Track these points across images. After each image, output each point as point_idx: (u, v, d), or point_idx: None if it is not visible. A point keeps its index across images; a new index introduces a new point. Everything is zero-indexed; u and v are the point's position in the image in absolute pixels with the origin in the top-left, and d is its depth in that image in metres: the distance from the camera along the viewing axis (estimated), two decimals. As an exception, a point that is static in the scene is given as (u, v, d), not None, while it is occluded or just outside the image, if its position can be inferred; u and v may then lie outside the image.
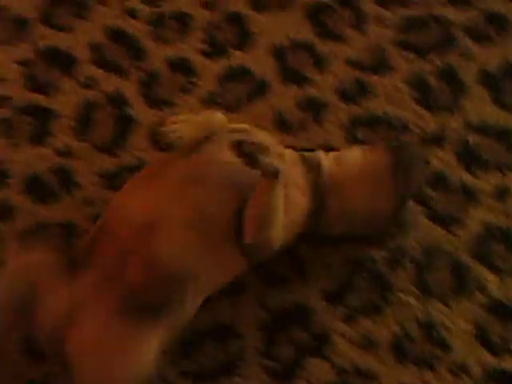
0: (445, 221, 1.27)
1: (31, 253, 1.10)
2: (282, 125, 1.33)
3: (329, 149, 1.28)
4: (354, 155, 1.19)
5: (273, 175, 1.07)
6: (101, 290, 1.07)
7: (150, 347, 1.06)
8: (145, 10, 1.42)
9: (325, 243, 1.24)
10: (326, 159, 1.19)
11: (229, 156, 1.12)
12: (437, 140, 1.33)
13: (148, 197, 1.10)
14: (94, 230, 1.13)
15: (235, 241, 1.11)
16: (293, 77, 1.38)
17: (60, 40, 1.41)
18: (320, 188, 1.16)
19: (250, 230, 1.10)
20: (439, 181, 1.30)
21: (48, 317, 1.08)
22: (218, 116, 1.18)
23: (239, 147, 1.06)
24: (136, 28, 1.42)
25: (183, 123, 1.14)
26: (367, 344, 1.20)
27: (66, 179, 1.31)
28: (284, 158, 1.14)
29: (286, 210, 1.12)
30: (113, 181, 1.30)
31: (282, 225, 1.13)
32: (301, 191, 1.15)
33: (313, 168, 1.17)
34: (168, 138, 1.13)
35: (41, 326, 1.09)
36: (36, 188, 1.30)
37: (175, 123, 1.13)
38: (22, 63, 1.39)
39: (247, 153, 1.06)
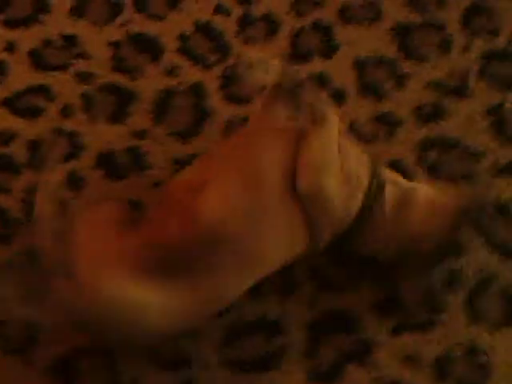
0: (503, 250, 1.27)
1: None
2: (352, 136, 1.35)
3: (395, 167, 1.30)
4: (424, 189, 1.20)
5: (320, 114, 1.07)
6: (140, 245, 1.09)
7: (174, 309, 1.07)
8: (236, 8, 1.46)
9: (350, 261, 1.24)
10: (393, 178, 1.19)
11: (279, 112, 1.11)
12: (508, 171, 1.33)
13: (204, 164, 1.13)
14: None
15: (293, 206, 1.09)
16: (371, 90, 1.40)
17: (150, 27, 1.45)
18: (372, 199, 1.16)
19: (303, 175, 1.08)
20: (502, 210, 1.30)
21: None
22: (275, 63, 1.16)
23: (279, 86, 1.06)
24: (225, 25, 1.46)
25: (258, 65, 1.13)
26: (408, 360, 1.21)
27: (138, 159, 1.35)
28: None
29: (349, 180, 1.12)
30: (182, 166, 1.34)
31: (340, 179, 1.11)
32: (364, 169, 1.14)
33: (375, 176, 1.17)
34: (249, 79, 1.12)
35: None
36: (108, 164, 1.34)
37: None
38: (113, 44, 1.44)
39: (289, 89, 1.04)
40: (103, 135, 1.37)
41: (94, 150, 1.36)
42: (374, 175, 1.16)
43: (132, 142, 1.37)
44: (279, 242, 1.12)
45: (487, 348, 1.22)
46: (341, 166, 1.12)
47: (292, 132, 1.12)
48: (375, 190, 1.15)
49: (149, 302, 1.07)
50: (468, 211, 1.18)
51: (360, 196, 1.13)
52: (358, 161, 1.15)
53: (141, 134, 1.37)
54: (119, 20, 1.46)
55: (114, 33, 1.46)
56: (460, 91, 1.41)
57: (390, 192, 1.17)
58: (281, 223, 1.11)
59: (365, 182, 1.14)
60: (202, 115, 1.39)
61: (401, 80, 1.41)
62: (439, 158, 1.36)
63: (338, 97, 1.41)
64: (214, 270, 1.08)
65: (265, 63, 1.15)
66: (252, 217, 1.09)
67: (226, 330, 1.24)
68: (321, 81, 1.42)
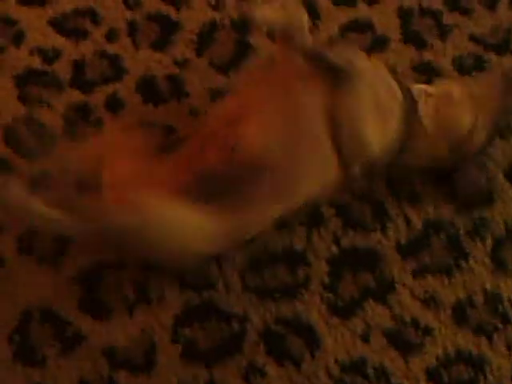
0: (532, 205, 1.29)
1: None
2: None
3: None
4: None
5: (346, 69, 1.10)
6: (177, 170, 1.12)
7: (210, 230, 1.11)
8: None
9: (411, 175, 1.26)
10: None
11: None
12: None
13: (240, 99, 1.15)
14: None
15: (331, 143, 1.13)
16: (414, 39, 1.42)
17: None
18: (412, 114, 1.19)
19: (343, 125, 1.13)
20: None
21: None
22: (302, 15, 1.20)
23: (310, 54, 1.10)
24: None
25: (267, 8, 1.17)
26: (430, 301, 1.24)
27: (177, 87, 1.38)
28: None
29: (383, 116, 1.15)
30: (220, 97, 1.37)
31: (379, 131, 1.15)
32: (395, 100, 1.17)
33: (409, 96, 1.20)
34: (253, 20, 1.15)
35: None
36: (148, 89, 1.37)
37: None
38: (160, -24, 1.47)
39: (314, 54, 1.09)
40: (145, 61, 1.40)
41: (135, 75, 1.39)
42: (406, 96, 1.19)
43: (172, 70, 1.39)
44: (314, 174, 1.15)
45: (509, 295, 1.24)
46: (375, 106, 1.14)
47: (327, 79, 1.14)
48: (409, 108, 1.18)
49: (187, 221, 1.10)
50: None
51: (394, 124, 1.16)
52: (388, 92, 1.18)
53: (182, 63, 1.40)
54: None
55: (163, -36, 1.48)
56: (501, 48, 1.42)
57: (425, 104, 1.19)
58: (316, 157, 1.14)
59: (397, 109, 1.17)
60: (243, 50, 1.41)
61: (444, 32, 1.43)
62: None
63: (381, 43, 1.43)
64: (252, 195, 1.12)
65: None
66: (290, 148, 1.13)
67: (252, 257, 1.26)
68: (365, 26, 1.43)
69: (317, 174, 1.16)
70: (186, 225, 1.11)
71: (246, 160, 1.11)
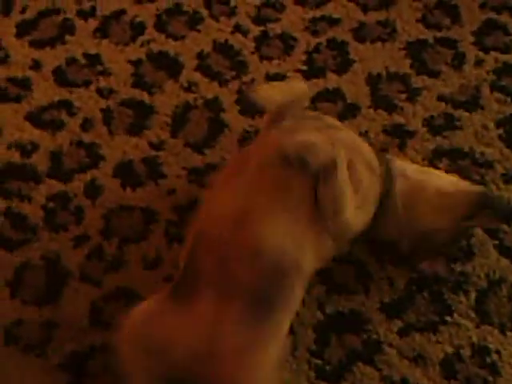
0: (513, 252, 1.33)
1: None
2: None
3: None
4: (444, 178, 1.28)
5: (330, 166, 1.15)
6: (221, 304, 1.13)
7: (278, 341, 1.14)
8: (252, 28, 1.56)
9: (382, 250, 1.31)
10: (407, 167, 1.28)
11: (303, 136, 1.20)
12: (518, 179, 1.40)
13: (234, 194, 1.17)
14: (186, 250, 1.20)
15: (321, 223, 1.17)
16: (384, 104, 1.48)
17: (171, 46, 1.55)
18: (390, 182, 1.24)
19: (327, 217, 1.17)
20: (513, 216, 1.36)
21: (188, 352, 1.13)
22: (301, 85, 1.28)
23: (288, 159, 1.15)
24: (242, 43, 1.55)
25: (269, 88, 1.23)
26: (418, 359, 1.27)
27: (154, 169, 1.43)
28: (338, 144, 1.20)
29: (356, 188, 1.20)
30: (197, 176, 1.43)
31: (356, 204, 1.20)
32: (369, 169, 1.22)
33: (384, 160, 1.25)
34: (255, 101, 1.21)
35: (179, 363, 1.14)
36: (125, 173, 1.43)
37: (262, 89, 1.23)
38: (133, 63, 1.54)
39: (298, 161, 1.15)
40: (121, 146, 1.46)
41: (112, 161, 1.45)
42: (386, 172, 1.24)
43: (149, 153, 1.45)
44: (317, 255, 1.20)
45: (496, 348, 1.26)
46: (355, 191, 1.20)
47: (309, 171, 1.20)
48: (387, 185, 1.23)
49: None
50: (483, 202, 1.25)
51: (373, 201, 1.23)
52: (368, 169, 1.23)
53: (158, 146, 1.46)
54: (140, 40, 1.57)
55: (135, 52, 1.56)
56: (471, 104, 1.47)
57: (400, 185, 1.24)
58: (316, 241, 1.19)
59: (376, 186, 1.23)
60: (217, 128, 1.48)
61: (413, 94, 1.49)
62: (450, 168, 1.42)
63: (352, 110, 1.48)
64: (284, 296, 1.16)
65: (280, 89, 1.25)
66: (298, 239, 1.17)
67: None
68: (335, 95, 1.50)
69: (320, 251, 1.20)
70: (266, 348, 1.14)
71: (270, 266, 1.14)
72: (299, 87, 1.28)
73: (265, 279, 1.12)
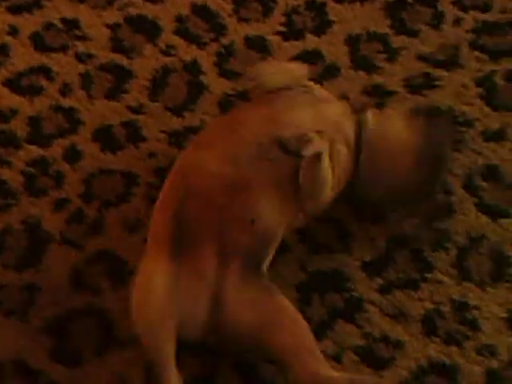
0: (493, 212, 1.35)
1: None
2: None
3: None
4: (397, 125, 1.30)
5: (316, 159, 1.22)
6: (220, 262, 1.20)
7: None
8: (231, -10, 1.57)
9: (365, 209, 1.33)
10: (372, 119, 1.30)
11: (299, 113, 1.26)
12: (497, 137, 1.42)
13: (227, 160, 1.23)
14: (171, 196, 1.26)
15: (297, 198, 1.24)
16: (364, 64, 1.49)
17: (149, 9, 1.56)
18: (360, 146, 1.27)
19: (306, 198, 1.24)
20: (493, 174, 1.39)
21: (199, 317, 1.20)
22: (302, 68, 1.34)
23: (283, 145, 1.22)
24: (220, 6, 1.56)
25: (272, 67, 1.30)
26: (398, 315, 1.29)
27: (134, 132, 1.45)
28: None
29: (333, 167, 1.24)
30: (177, 139, 1.44)
31: (331, 186, 1.26)
32: (347, 146, 1.25)
33: (359, 124, 1.28)
34: (257, 81, 1.28)
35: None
36: (104, 137, 1.45)
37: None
38: (111, 27, 1.55)
39: (290, 150, 1.22)
40: (100, 111, 1.47)
41: (91, 125, 1.46)
42: (359, 129, 1.28)
43: (128, 117, 1.47)
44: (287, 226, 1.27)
45: (476, 303, 1.29)
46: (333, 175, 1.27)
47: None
48: (359, 142, 1.26)
49: None
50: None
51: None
52: (348, 147, 1.28)
53: (137, 109, 1.47)
54: (118, 3, 1.57)
55: (112, 16, 1.57)
56: (450, 64, 1.49)
57: (369, 138, 1.27)
58: (291, 214, 1.27)
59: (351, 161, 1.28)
60: (196, 90, 1.49)
61: (392, 54, 1.50)
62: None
63: (331, 71, 1.50)
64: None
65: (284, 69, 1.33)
66: (283, 212, 1.26)
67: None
68: (314, 56, 1.51)
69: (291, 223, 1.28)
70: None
71: (264, 231, 1.23)
72: (300, 70, 1.31)
73: (258, 243, 1.20)
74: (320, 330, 1.29)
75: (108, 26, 1.57)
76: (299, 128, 1.26)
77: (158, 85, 1.50)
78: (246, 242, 1.21)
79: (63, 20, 1.57)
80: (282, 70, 1.35)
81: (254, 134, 1.25)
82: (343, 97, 1.47)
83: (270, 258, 1.26)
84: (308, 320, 1.28)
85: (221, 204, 1.22)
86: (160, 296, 1.18)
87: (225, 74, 1.51)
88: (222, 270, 1.21)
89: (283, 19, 1.56)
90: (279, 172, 1.24)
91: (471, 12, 1.54)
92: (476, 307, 1.30)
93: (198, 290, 1.20)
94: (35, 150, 1.45)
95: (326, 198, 1.27)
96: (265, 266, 1.25)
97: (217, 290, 1.20)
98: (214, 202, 1.22)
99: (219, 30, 1.55)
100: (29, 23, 1.57)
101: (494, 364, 1.26)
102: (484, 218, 1.36)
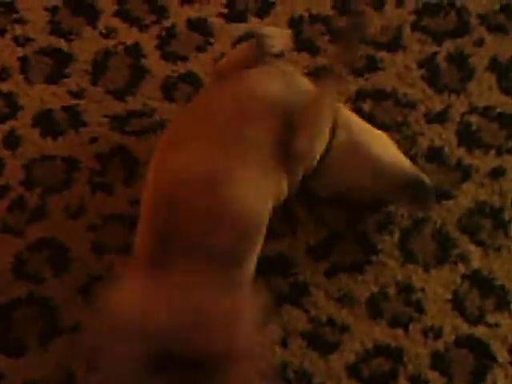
0: (436, 193, 1.36)
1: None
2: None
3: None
4: None
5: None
6: (197, 270, 1.14)
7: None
8: (172, -29, 1.55)
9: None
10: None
11: (270, 86, 1.23)
12: (440, 119, 1.43)
13: (203, 155, 1.17)
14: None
15: (281, 163, 1.19)
16: (307, 46, 1.49)
17: (88, -9, 1.54)
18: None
19: (301, 135, 1.20)
20: (436, 156, 1.40)
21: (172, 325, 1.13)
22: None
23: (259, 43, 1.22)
24: (161, -13, 1.55)
25: (271, 32, 1.28)
26: (344, 299, 1.29)
27: (75, 117, 1.43)
28: None
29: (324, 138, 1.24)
30: (119, 123, 1.42)
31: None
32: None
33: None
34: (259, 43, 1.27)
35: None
36: (45, 122, 1.43)
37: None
38: (49, 9, 1.52)
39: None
40: (40, 95, 1.45)
41: (31, 110, 1.44)
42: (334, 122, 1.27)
43: (69, 102, 1.45)
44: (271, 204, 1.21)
45: (421, 285, 1.30)
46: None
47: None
48: (330, 135, 1.26)
49: None
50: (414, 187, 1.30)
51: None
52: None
53: (78, 94, 1.45)
54: (56, -14, 1.55)
55: (51, -2, 1.54)
56: (392, 45, 1.50)
57: (339, 137, 1.27)
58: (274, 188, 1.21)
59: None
60: (138, 74, 1.47)
61: (335, 35, 1.50)
62: (374, 109, 1.44)
63: (275, 54, 1.49)
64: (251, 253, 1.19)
65: (280, 33, 1.30)
66: (262, 191, 1.20)
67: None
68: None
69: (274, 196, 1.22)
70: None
71: (245, 223, 1.17)
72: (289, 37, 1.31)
73: (237, 240, 1.16)
74: (266, 315, 1.29)
75: (46, 8, 1.53)
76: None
77: (98, 68, 1.48)
78: (222, 242, 1.15)
79: (0, 3, 1.53)
80: (281, 34, 1.31)
81: (222, 118, 1.21)
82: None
83: (258, 249, 1.21)
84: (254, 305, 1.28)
85: (196, 205, 1.16)
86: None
87: (167, 56, 1.50)
88: (197, 278, 1.14)
89: (225, 1, 1.54)
90: (259, 148, 1.19)
91: (413, -7, 1.54)
92: (421, 289, 1.31)
93: (175, 302, 1.13)
94: (-28, 137, 1.42)
95: (318, 150, 1.22)
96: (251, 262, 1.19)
97: (194, 300, 1.13)
98: (189, 204, 1.16)
99: (161, 12, 1.53)
100: (-36, 6, 1.53)
101: (440, 345, 1.27)
102: (428, 200, 1.37)
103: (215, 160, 1.17)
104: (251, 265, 1.19)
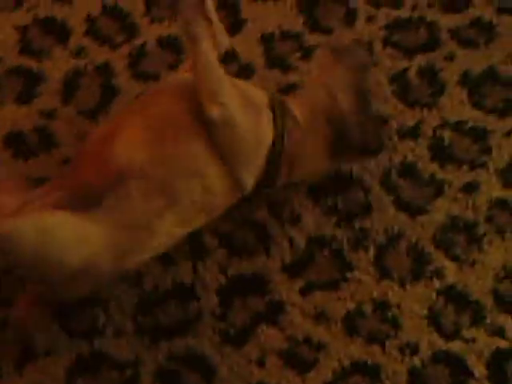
0: (410, 209, 1.37)
1: None
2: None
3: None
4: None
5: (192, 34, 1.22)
6: (52, 189, 1.22)
7: (93, 237, 1.18)
8: (141, -11, 1.55)
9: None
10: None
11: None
12: (412, 134, 1.43)
13: (115, 120, 1.26)
14: None
15: (202, 142, 1.22)
16: (278, 63, 1.49)
17: (57, 10, 1.53)
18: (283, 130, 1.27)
19: (205, 102, 1.22)
20: (410, 172, 1.40)
21: None
22: None
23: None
24: (132, 6, 1.54)
25: None
26: (320, 317, 1.30)
27: (47, 138, 1.42)
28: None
29: (246, 101, 1.25)
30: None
31: (252, 120, 1.25)
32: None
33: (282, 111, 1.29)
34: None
35: None
36: (16, 144, 1.42)
37: None
38: (19, 28, 1.51)
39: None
40: (11, 116, 1.44)
41: (2, 131, 1.43)
42: (274, 103, 1.28)
43: (40, 122, 1.44)
44: (192, 183, 1.23)
45: (397, 301, 1.30)
46: (232, 85, 1.25)
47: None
48: (281, 115, 1.27)
49: (70, 226, 1.18)
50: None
51: (267, 125, 1.25)
52: (251, 89, 1.29)
53: (49, 114, 1.45)
54: (26, 5, 1.54)
55: (21, 18, 1.53)
56: (365, 60, 1.50)
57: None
58: (190, 163, 1.22)
59: (266, 110, 1.26)
60: (109, 94, 1.47)
61: (306, 52, 1.51)
62: (346, 125, 1.44)
63: (246, 71, 1.49)
64: (122, 201, 1.19)
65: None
66: (156, 154, 1.21)
67: (140, 298, 1.30)
68: (229, 56, 1.50)
69: (195, 181, 1.23)
70: (70, 229, 1.18)
71: (114, 171, 1.20)
72: None
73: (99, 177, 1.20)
74: (242, 335, 1.29)
75: (16, 28, 1.52)
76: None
77: (69, 88, 1.47)
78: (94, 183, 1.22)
79: (-33, 23, 1.53)
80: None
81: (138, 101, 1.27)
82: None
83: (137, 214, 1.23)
84: (230, 325, 1.28)
85: (93, 152, 1.25)
86: None
87: (138, 75, 1.49)
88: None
89: (196, 18, 1.54)
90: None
91: (383, 9, 1.54)
92: (397, 305, 1.31)
93: None
94: None
95: (237, 111, 1.23)
96: None
97: None
98: (89, 150, 1.26)
99: (131, 30, 1.53)
100: None
101: (416, 362, 1.27)
102: (402, 216, 1.37)
103: (121, 121, 1.25)
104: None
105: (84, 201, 1.20)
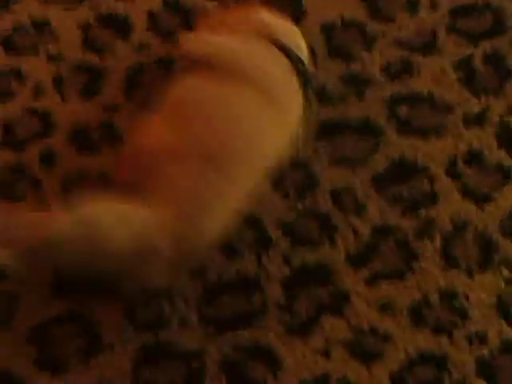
0: (477, 197, 1.36)
1: None
2: (322, 96, 1.44)
3: (367, 125, 1.38)
4: None
5: None
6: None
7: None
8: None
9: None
10: None
11: None
12: (478, 121, 1.41)
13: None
14: None
15: None
16: (340, 53, 1.49)
17: (119, 7, 1.55)
18: None
19: None
20: (476, 159, 1.39)
21: None
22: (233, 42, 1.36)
23: None
24: (192, 1, 1.56)
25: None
26: (386, 307, 1.29)
27: (110, 133, 1.44)
28: None
29: None
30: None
31: None
32: None
33: None
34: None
35: None
36: (80, 139, 1.44)
37: None
38: (82, 25, 1.54)
39: None
40: (75, 112, 1.46)
41: (67, 127, 1.45)
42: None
43: (103, 117, 1.46)
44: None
45: (464, 291, 1.29)
46: None
47: None
48: None
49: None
50: None
51: None
52: None
53: (113, 109, 1.46)
54: (88, 3, 1.56)
55: (84, 15, 1.55)
56: (427, 48, 1.49)
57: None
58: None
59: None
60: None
61: (369, 41, 1.50)
62: (410, 113, 1.43)
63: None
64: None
65: None
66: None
67: (205, 289, 1.31)
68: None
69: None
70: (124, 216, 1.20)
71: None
72: (229, 43, 1.38)
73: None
74: (308, 326, 1.29)
75: (79, 25, 1.55)
76: None
77: (132, 84, 1.49)
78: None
79: (33, 21, 1.55)
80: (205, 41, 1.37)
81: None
82: (320, 86, 1.46)
83: None
84: (295, 315, 1.28)
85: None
86: None
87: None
88: None
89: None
90: None
91: (447, -5, 1.53)
92: (464, 295, 1.29)
93: None
94: (9, 155, 1.43)
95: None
96: None
97: None
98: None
99: (192, 26, 1.54)
100: (-2, 26, 1.55)
101: (485, 352, 1.26)
102: (468, 204, 1.36)
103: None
104: None
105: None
